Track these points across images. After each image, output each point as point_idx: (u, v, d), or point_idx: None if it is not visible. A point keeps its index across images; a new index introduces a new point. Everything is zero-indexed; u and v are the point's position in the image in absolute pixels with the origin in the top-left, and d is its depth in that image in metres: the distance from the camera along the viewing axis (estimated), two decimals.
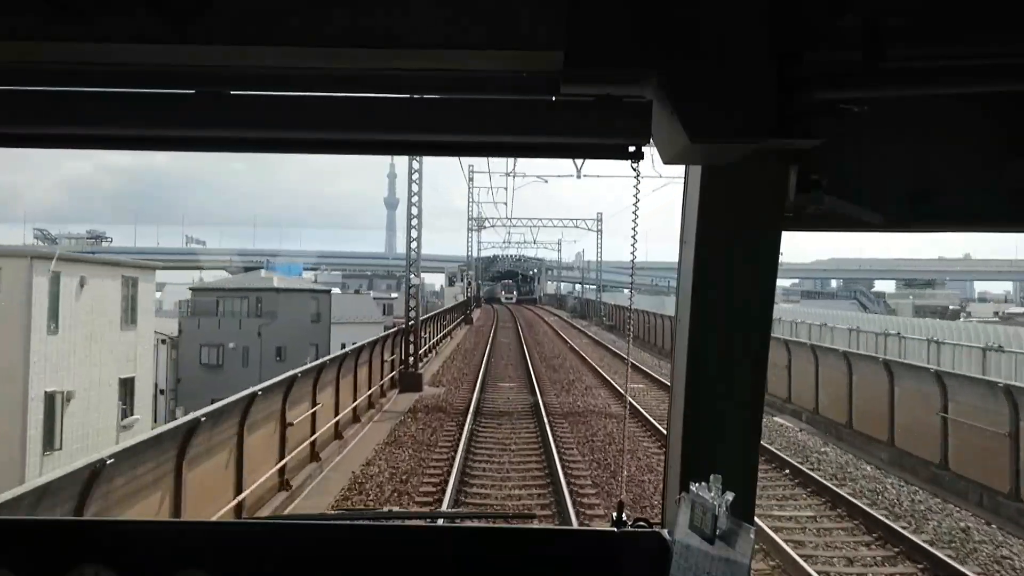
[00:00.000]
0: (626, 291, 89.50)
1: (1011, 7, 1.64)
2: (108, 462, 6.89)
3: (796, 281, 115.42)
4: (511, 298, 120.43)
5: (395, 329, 27.07)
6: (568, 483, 12.62)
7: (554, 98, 1.74)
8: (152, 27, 1.50)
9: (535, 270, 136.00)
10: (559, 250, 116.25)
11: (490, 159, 41.62)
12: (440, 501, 11.98)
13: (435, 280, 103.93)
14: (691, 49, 1.61)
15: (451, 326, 46.07)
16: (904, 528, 10.66)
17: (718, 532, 1.88)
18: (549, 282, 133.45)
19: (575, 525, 10.29)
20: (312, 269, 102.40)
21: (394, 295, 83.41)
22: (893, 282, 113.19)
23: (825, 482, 12.92)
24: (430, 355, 32.30)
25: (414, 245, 26.54)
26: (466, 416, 18.19)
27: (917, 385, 15.13)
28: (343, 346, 34.75)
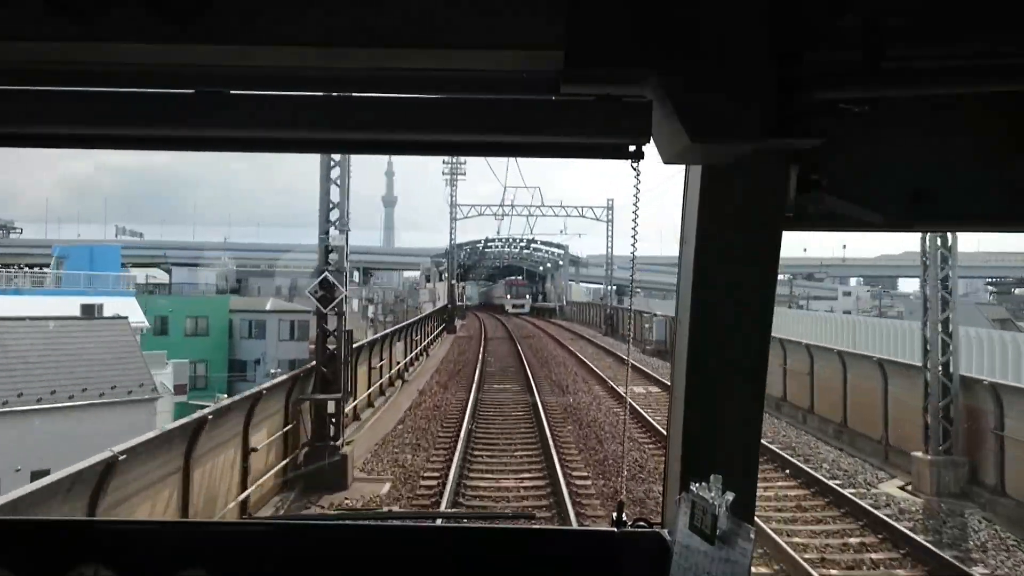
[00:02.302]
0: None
1: (1011, 7, 1.64)
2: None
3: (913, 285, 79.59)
4: (522, 306, 77.43)
5: None
6: None
7: (554, 98, 1.74)
8: (152, 27, 1.50)
9: (549, 263, 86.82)
10: (609, 220, 57.94)
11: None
12: None
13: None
14: (691, 49, 1.61)
15: None
16: None
17: (718, 532, 1.88)
18: (576, 284, 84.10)
19: (575, 525, 10.28)
20: (144, 264, 68.59)
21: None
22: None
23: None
24: None
25: None
26: None
27: None
28: None
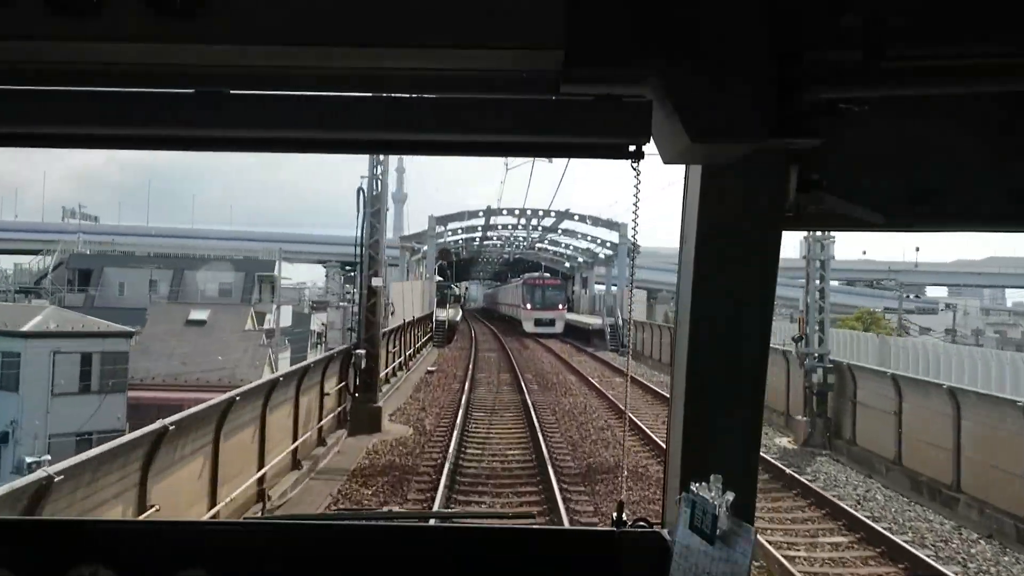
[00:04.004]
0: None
1: (1011, 7, 1.64)
2: None
3: None
4: (550, 322, 46.95)
5: None
6: None
7: (554, 98, 1.74)
8: (152, 27, 1.49)
9: (581, 259, 58.26)
10: None
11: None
12: None
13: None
14: (691, 49, 1.61)
15: None
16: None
17: (718, 532, 1.88)
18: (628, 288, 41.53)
19: (575, 525, 10.28)
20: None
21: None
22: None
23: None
24: None
25: None
26: None
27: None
28: None
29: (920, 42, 1.65)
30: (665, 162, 1.83)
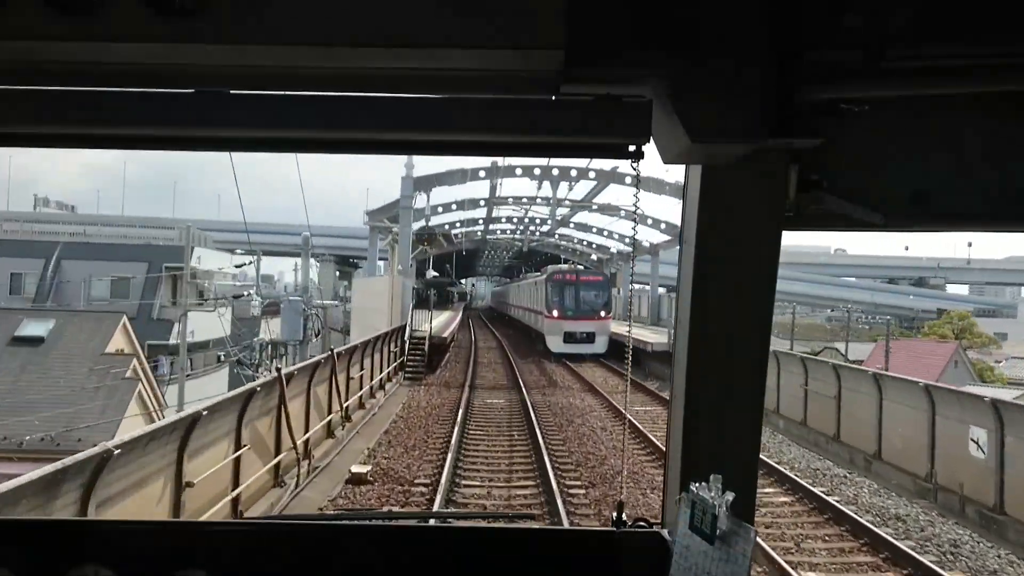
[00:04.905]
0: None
1: (1011, 7, 1.64)
2: None
3: None
4: (588, 339, 31.58)
5: None
6: None
7: (554, 98, 1.74)
8: (152, 27, 1.50)
9: (614, 250, 45.14)
10: None
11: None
12: None
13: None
14: (691, 49, 1.62)
15: None
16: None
17: (718, 532, 1.88)
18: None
19: (575, 525, 10.29)
20: None
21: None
22: None
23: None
24: None
25: None
26: None
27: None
28: None
29: (920, 42, 1.65)
30: (665, 162, 1.84)
